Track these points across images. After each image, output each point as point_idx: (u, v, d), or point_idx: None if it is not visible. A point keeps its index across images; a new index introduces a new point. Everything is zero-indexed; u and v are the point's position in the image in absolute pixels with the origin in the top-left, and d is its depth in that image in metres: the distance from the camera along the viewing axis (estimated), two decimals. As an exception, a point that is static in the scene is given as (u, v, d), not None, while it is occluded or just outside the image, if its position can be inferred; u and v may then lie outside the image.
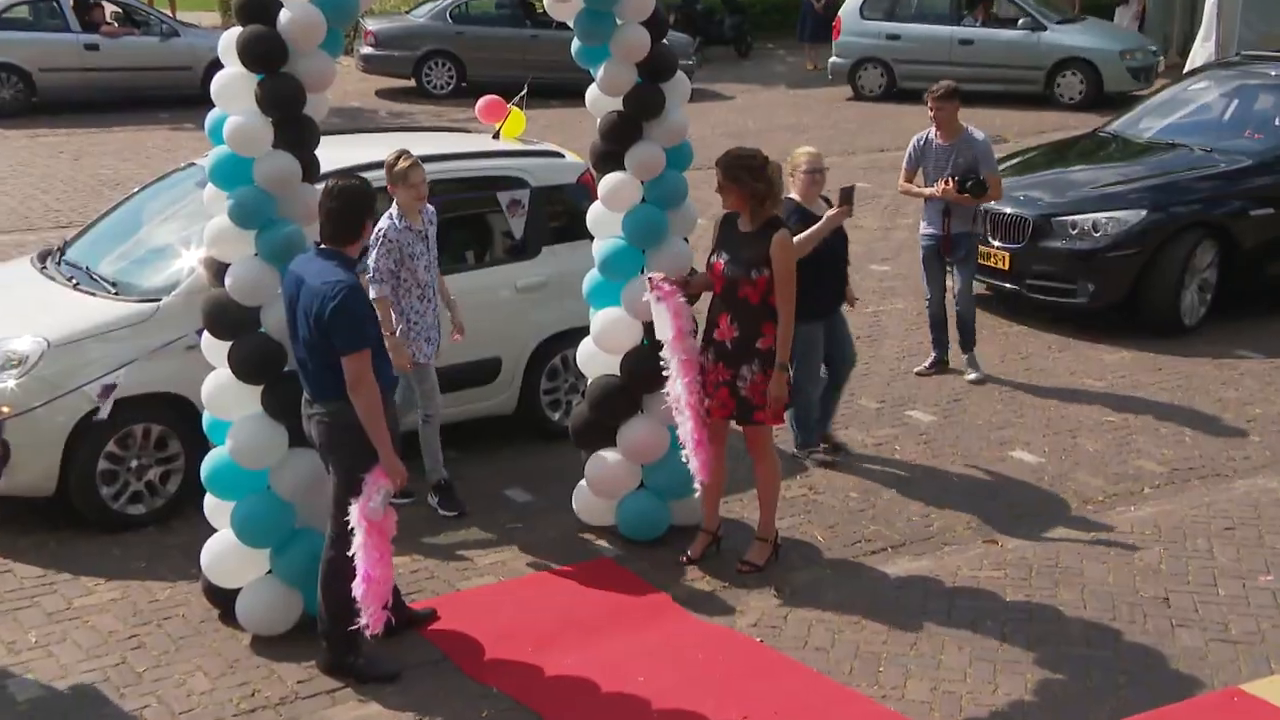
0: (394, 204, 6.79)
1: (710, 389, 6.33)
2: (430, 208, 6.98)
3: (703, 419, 6.31)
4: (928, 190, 8.89)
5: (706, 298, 6.55)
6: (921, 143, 8.93)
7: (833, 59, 21.72)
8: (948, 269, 9.11)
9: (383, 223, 6.75)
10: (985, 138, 8.89)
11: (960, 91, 8.89)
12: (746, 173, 6.17)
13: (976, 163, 8.73)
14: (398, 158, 6.73)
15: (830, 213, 7.07)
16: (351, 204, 5.40)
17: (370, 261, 6.75)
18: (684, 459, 6.36)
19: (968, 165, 8.73)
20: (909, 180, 9.03)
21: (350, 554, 5.36)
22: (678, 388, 6.28)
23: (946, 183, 8.68)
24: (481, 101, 8.33)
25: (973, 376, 9.10)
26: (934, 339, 9.29)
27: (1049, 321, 10.40)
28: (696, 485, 6.40)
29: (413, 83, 21.49)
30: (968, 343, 9.16)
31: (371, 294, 6.72)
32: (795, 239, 7.02)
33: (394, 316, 6.79)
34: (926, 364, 9.28)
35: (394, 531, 5.49)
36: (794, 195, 7.39)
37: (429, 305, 6.86)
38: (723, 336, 6.29)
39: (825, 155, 7.78)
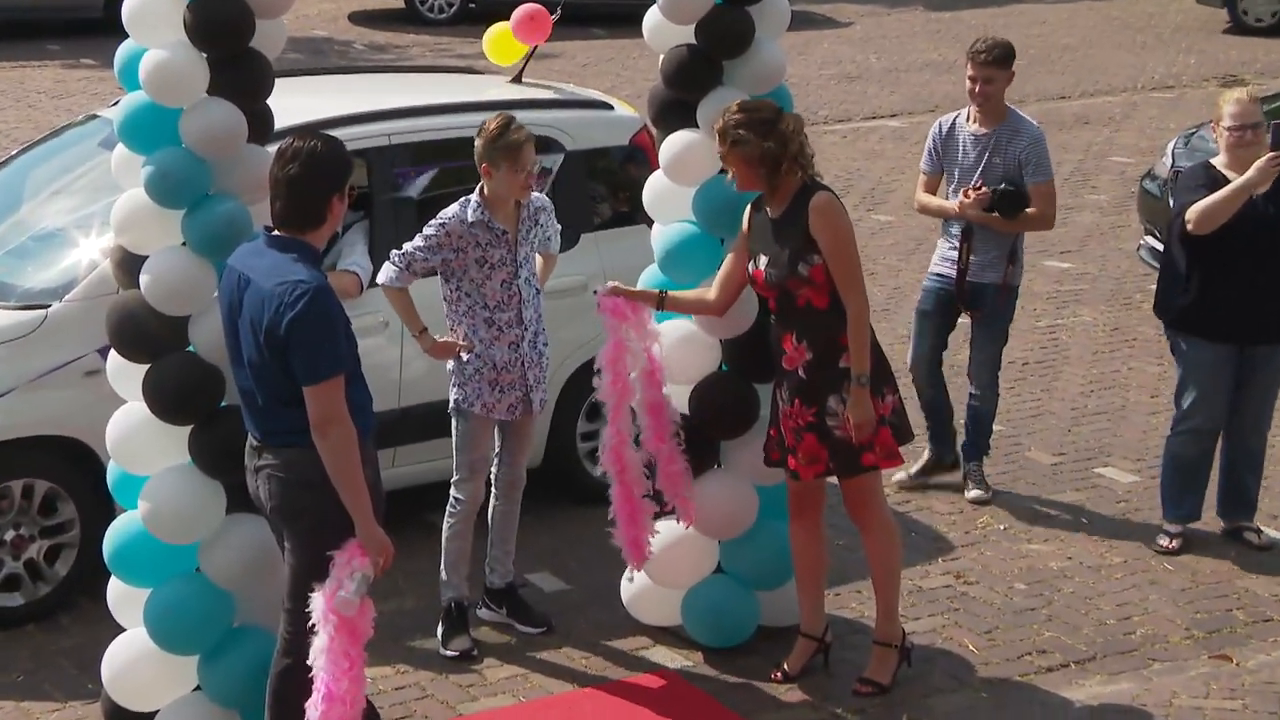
0: (478, 189, 6.75)
1: (792, 439, 6.38)
2: (541, 199, 6.95)
3: (633, 483, 6.56)
4: (946, 204, 8.14)
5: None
6: (945, 130, 8.20)
7: None
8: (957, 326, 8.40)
9: (449, 210, 6.74)
10: (1038, 128, 8.17)
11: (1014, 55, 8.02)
12: (748, 129, 6.18)
13: (1019, 166, 7.96)
14: (505, 125, 6.60)
15: (1259, 163, 7.00)
16: (316, 172, 5.46)
17: (406, 245, 6.72)
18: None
19: (1008, 168, 7.96)
20: (930, 190, 8.31)
21: (311, 662, 5.43)
22: (605, 436, 6.62)
23: (968, 192, 7.88)
24: (520, 11, 8.06)
25: (973, 495, 8.27)
26: (930, 430, 8.45)
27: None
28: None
29: (401, 3, 21.72)
30: (976, 447, 8.38)
31: (380, 278, 6.76)
32: (1194, 208, 7.10)
33: (417, 314, 6.74)
34: (915, 468, 8.38)
35: (370, 631, 5.54)
36: (1214, 161, 7.42)
37: (503, 336, 6.76)
38: (793, 364, 6.34)
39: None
